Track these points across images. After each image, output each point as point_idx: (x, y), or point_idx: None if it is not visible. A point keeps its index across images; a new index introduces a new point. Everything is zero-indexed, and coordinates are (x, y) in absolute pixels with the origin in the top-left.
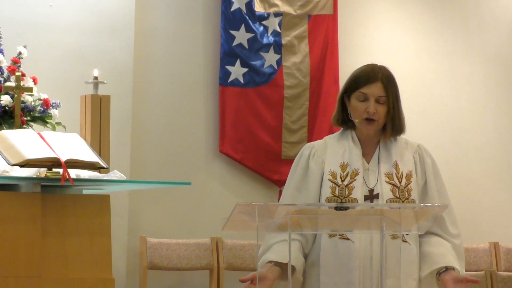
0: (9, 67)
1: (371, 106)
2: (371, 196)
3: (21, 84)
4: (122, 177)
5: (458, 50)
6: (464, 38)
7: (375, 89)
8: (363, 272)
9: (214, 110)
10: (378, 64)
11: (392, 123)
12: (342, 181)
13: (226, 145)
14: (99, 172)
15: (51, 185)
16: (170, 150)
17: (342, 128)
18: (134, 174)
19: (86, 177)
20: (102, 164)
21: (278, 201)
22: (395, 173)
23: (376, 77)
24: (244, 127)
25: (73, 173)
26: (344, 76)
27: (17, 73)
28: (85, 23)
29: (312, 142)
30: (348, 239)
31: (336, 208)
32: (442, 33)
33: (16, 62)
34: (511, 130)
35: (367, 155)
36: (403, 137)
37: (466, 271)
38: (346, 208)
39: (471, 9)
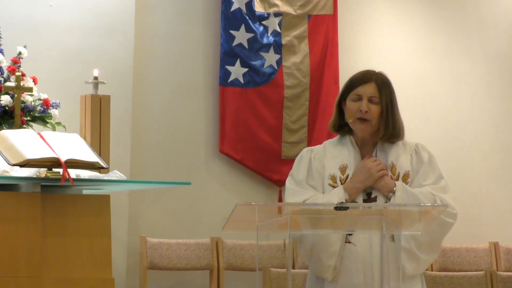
0: (9, 67)
1: (363, 104)
2: (369, 200)
3: (21, 84)
4: (122, 177)
5: (458, 50)
6: (464, 38)
7: (368, 89)
8: (366, 274)
9: (214, 110)
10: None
11: (386, 126)
12: (342, 184)
13: (226, 145)
14: (99, 172)
15: (51, 185)
16: (170, 150)
17: (339, 135)
18: (134, 174)
19: (86, 177)
20: (102, 164)
21: (279, 201)
22: (391, 175)
23: (370, 78)
24: (244, 127)
25: (73, 173)
26: (344, 76)
27: (17, 73)
28: (85, 23)
29: (311, 147)
30: (349, 242)
31: (336, 208)
32: (442, 33)
33: (16, 62)
34: (511, 130)
35: (364, 158)
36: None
37: (465, 270)
38: (346, 208)
39: (471, 9)
